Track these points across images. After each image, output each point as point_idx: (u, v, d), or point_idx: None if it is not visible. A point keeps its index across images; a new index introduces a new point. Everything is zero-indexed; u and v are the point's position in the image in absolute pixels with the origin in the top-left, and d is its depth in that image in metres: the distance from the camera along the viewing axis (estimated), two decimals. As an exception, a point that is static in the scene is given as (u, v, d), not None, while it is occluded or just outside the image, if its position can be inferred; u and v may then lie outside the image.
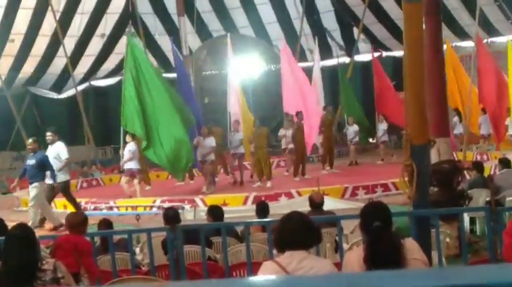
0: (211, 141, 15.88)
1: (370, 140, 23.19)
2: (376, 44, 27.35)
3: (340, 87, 21.96)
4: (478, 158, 17.61)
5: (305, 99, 17.25)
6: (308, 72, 22.17)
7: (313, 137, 17.40)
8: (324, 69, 24.53)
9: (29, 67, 25.48)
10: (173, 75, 28.45)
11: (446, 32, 20.45)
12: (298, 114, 17.03)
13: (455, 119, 20.81)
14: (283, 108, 17.97)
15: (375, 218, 3.95)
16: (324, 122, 18.60)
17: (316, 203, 8.13)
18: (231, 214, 11.00)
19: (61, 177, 13.09)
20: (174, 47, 18.74)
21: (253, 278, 0.95)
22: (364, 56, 27.03)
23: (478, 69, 17.14)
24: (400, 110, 19.60)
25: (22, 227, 4.68)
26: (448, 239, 7.02)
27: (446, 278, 0.82)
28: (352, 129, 20.83)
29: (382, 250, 3.74)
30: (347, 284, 0.80)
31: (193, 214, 13.17)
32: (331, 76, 25.55)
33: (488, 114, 18.24)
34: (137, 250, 8.04)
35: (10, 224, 6.64)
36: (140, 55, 15.01)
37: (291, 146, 17.28)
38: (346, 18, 27.11)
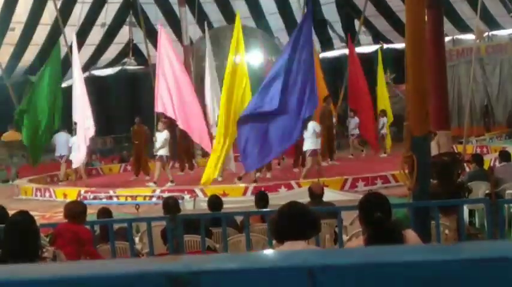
0: None
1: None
2: (378, 36, 27.33)
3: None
4: (478, 151, 17.62)
5: (182, 97, 15.63)
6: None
7: (202, 137, 15.78)
8: (324, 61, 24.50)
9: (29, 56, 25.45)
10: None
11: (447, 25, 20.42)
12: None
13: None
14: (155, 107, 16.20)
15: (375, 209, 3.94)
16: (323, 113, 18.56)
17: (316, 195, 8.13)
18: (230, 204, 11.01)
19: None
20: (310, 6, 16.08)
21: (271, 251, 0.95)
22: (365, 48, 27.01)
23: (349, 74, 17.36)
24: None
25: (23, 214, 4.67)
26: (447, 231, 7.03)
27: (447, 252, 0.82)
28: (353, 122, 20.63)
29: (383, 241, 3.74)
30: (364, 258, 0.81)
31: (193, 204, 13.19)
32: (331, 68, 25.54)
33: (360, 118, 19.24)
34: (136, 239, 8.05)
35: (10, 213, 6.64)
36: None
37: (162, 152, 16.14)
38: (347, 10, 27.06)
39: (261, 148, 13.28)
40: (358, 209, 4.18)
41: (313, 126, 14.87)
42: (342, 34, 27.81)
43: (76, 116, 16.88)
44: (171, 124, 16.57)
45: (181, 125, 15.91)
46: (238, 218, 7.70)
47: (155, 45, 27.43)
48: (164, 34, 16.65)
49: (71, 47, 18.64)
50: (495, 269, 0.81)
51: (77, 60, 17.38)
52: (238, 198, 13.19)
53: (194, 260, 0.85)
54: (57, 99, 18.10)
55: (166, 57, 16.04)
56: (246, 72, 14.64)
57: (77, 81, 17.24)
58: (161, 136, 15.91)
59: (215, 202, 8.03)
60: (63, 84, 26.57)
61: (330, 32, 27.77)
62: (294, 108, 13.07)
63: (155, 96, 15.95)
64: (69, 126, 18.54)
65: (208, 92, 17.29)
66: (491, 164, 13.27)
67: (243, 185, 14.45)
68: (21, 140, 22.31)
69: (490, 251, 0.84)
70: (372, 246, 3.51)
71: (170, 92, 15.66)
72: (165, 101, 15.71)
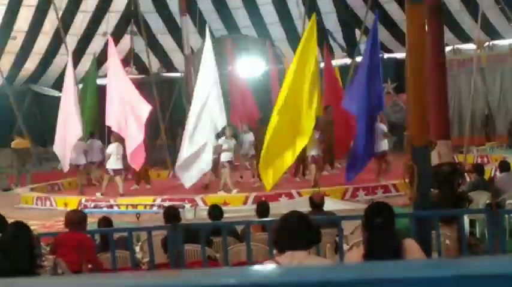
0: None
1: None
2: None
3: None
4: (479, 160, 17.61)
5: (133, 110, 15.67)
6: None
7: (139, 155, 15.73)
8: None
9: (30, 65, 25.48)
10: (175, 74, 28.57)
11: (448, 34, 20.45)
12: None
13: None
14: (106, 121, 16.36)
15: (377, 215, 3.95)
16: (325, 122, 18.48)
17: (316, 204, 8.13)
18: (231, 213, 11.00)
19: None
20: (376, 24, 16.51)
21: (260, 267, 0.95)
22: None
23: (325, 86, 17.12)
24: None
25: (17, 225, 4.62)
26: (447, 241, 7.02)
27: (444, 268, 0.82)
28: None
29: (382, 248, 3.74)
30: (355, 274, 0.81)
31: (194, 213, 13.18)
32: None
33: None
34: (137, 248, 8.04)
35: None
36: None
37: (108, 165, 16.28)
38: (348, 19, 27.10)
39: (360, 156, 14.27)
40: (363, 216, 4.21)
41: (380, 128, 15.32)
42: (343, 44, 27.85)
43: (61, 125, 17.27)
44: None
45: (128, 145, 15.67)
46: (239, 228, 7.69)
47: (156, 55, 27.58)
48: (113, 47, 16.90)
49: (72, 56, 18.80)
50: (493, 286, 0.81)
51: (71, 69, 17.67)
52: (238, 207, 13.18)
53: (190, 275, 0.85)
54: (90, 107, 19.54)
55: (115, 71, 16.21)
56: (317, 75, 15.04)
57: (68, 90, 17.49)
58: (108, 149, 16.29)
59: (216, 211, 8.03)
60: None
61: (331, 41, 27.80)
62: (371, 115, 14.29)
63: (106, 108, 16.10)
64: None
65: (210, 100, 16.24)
66: (492, 174, 13.26)
67: (243, 194, 14.44)
68: (30, 147, 22.49)
69: (489, 267, 0.84)
70: (368, 261, 3.52)
71: (121, 108, 15.72)
72: (116, 116, 15.77)
